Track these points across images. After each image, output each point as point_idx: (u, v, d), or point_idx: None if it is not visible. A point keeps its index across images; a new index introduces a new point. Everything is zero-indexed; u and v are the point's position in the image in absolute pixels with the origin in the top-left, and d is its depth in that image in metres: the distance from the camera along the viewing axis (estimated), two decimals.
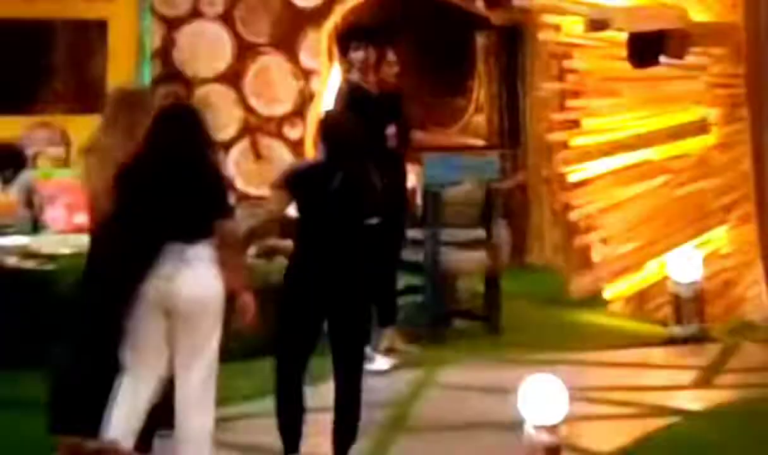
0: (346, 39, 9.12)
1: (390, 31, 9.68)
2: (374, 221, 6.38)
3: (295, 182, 6.30)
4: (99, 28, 11.00)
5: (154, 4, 11.44)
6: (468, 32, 12.64)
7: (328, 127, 6.45)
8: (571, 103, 10.59)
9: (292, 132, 11.85)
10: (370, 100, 8.59)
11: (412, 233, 9.23)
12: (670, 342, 9.07)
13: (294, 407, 6.14)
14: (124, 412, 5.80)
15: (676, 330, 9.12)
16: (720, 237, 9.78)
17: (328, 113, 7.34)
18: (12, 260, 8.58)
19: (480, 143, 12.41)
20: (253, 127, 11.56)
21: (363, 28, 9.40)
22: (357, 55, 8.76)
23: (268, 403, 6.26)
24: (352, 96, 8.53)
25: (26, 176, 9.66)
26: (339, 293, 6.15)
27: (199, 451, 5.82)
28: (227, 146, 11.37)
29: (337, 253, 6.17)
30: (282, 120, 11.86)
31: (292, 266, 6.27)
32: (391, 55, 8.95)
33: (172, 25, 11.62)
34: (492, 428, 6.92)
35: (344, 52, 9.06)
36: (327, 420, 6.15)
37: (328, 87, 11.74)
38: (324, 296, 6.13)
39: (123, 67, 11.03)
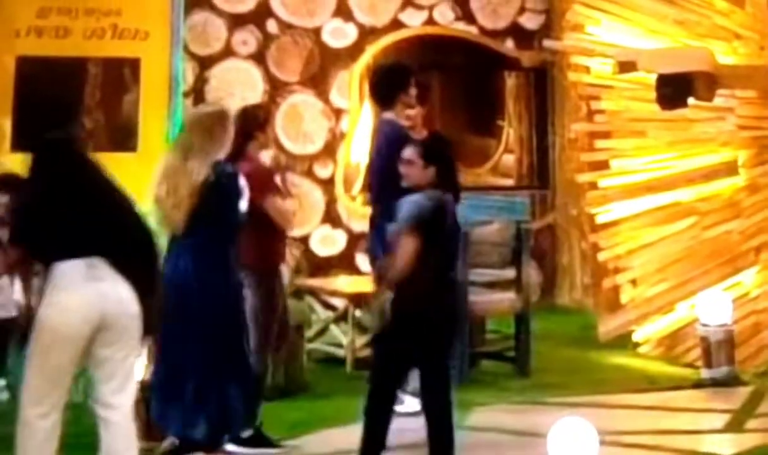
0: (399, 77, 8.46)
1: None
2: None
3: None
4: (132, 66, 10.98)
5: (188, 42, 11.43)
6: (498, 73, 12.59)
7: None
8: (600, 144, 10.48)
9: (323, 171, 11.77)
10: (411, 141, 8.26)
11: None
12: (700, 385, 8.88)
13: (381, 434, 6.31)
14: None
15: (706, 373, 8.93)
16: (749, 279, 9.60)
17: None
18: None
19: (509, 182, 12.35)
20: (284, 165, 11.42)
21: (411, 67, 8.99)
22: (410, 94, 8.32)
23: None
24: (394, 136, 8.17)
25: None
26: (434, 328, 6.29)
27: None
28: None
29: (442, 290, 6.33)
30: (312, 159, 11.77)
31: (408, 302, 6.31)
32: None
33: (204, 63, 11.66)
34: None
35: (391, 91, 8.41)
36: None
37: (358, 126, 11.68)
38: (422, 332, 6.26)
39: (156, 105, 11.01)
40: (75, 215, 5.60)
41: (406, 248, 6.21)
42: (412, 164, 6.44)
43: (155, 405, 6.69)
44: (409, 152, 6.51)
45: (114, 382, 5.68)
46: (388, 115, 8.28)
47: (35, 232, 5.67)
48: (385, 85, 8.39)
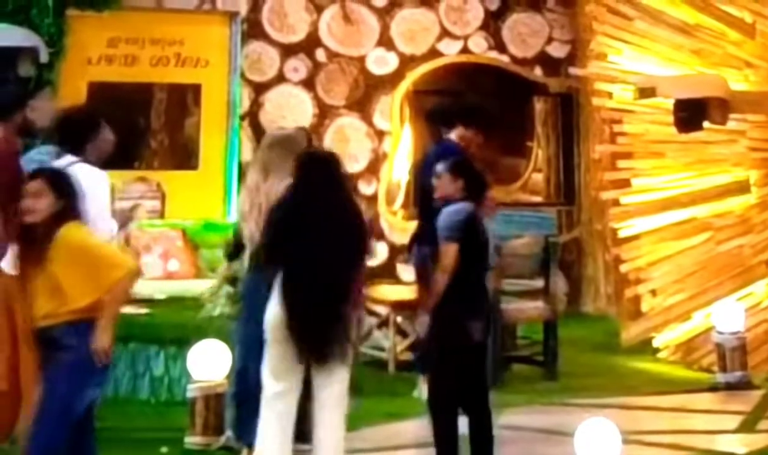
0: (472, 113, 8.55)
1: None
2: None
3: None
4: (193, 91, 11.05)
5: (244, 70, 11.45)
6: (527, 98, 12.55)
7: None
8: (622, 164, 10.42)
9: (367, 188, 11.77)
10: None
11: None
12: (715, 388, 8.78)
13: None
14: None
15: (721, 377, 8.83)
16: (761, 290, 9.50)
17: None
18: None
19: (538, 199, 12.30)
20: None
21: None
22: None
23: None
24: (454, 153, 8.11)
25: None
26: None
27: None
28: None
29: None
30: (357, 177, 11.77)
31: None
32: None
33: (259, 89, 11.66)
34: None
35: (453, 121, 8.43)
36: None
37: (399, 147, 11.68)
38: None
39: (215, 128, 11.07)
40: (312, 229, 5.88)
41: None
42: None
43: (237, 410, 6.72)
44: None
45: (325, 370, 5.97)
46: (449, 134, 8.32)
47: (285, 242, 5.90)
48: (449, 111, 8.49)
